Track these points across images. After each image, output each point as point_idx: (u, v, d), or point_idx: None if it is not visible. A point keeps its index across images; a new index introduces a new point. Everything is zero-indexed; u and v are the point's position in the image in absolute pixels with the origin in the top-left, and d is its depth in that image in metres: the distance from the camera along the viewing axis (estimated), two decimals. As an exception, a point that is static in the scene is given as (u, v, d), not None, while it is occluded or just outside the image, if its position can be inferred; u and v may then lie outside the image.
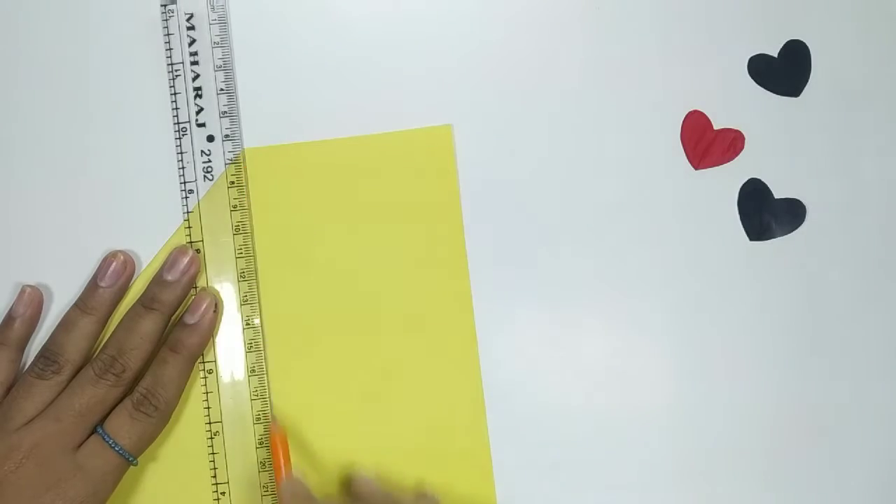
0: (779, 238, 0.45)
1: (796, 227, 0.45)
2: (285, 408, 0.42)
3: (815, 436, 0.44)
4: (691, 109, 0.45)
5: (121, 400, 0.40)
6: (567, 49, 0.45)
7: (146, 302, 0.41)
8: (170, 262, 0.41)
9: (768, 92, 0.45)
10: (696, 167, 0.45)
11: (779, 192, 0.45)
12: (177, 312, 0.42)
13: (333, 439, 0.42)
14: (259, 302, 0.43)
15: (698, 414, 0.44)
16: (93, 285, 0.41)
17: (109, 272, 0.41)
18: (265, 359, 0.42)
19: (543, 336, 0.44)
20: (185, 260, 0.41)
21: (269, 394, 0.42)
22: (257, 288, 0.43)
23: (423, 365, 0.43)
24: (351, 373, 0.43)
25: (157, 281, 0.41)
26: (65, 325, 0.41)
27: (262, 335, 0.42)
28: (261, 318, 0.43)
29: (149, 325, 0.40)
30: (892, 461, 0.44)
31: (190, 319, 0.41)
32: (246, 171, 0.43)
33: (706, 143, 0.45)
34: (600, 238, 0.44)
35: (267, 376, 0.42)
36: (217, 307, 0.42)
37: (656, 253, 0.44)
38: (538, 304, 0.44)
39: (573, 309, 0.44)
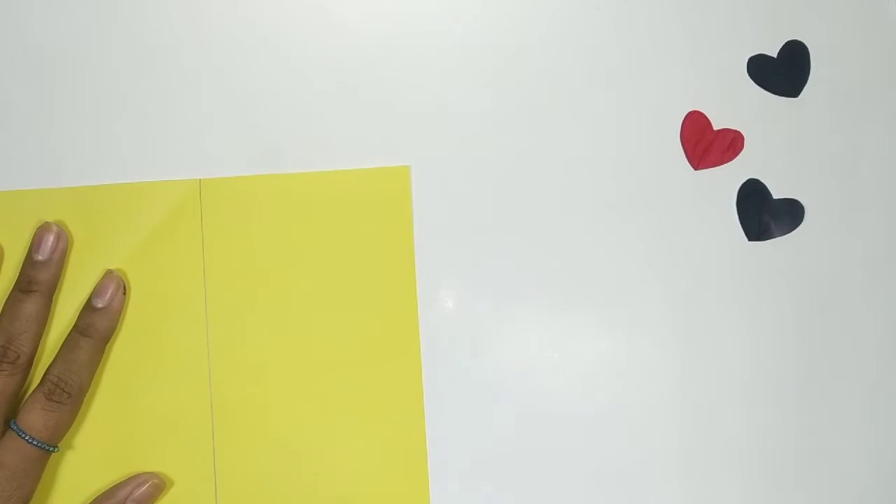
0: (777, 238, 0.45)
1: (795, 228, 0.45)
2: (228, 439, 0.42)
3: (813, 436, 0.44)
4: (691, 110, 0.45)
5: (21, 387, 0.40)
6: (567, 47, 0.45)
7: (23, 286, 0.40)
8: (36, 242, 0.41)
9: (768, 92, 0.46)
10: (696, 167, 0.45)
11: (778, 193, 0.45)
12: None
13: (271, 471, 0.43)
14: (207, 337, 0.43)
15: (696, 414, 0.44)
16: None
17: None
18: (210, 392, 0.42)
19: (542, 338, 0.44)
20: (52, 237, 0.41)
21: (213, 425, 0.42)
22: (205, 323, 0.43)
23: (365, 407, 0.43)
24: (294, 411, 0.43)
25: (30, 263, 0.41)
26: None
27: (209, 369, 0.42)
28: (208, 353, 0.42)
29: (32, 307, 0.40)
30: (891, 461, 0.45)
31: (99, 303, 0.41)
32: (201, 202, 0.43)
33: (705, 143, 0.45)
34: (599, 238, 0.44)
35: (211, 409, 0.42)
36: (124, 289, 0.42)
37: (655, 253, 0.45)
38: (537, 305, 0.44)
39: (572, 310, 0.44)
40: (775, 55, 0.46)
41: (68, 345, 0.40)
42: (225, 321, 0.43)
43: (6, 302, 0.41)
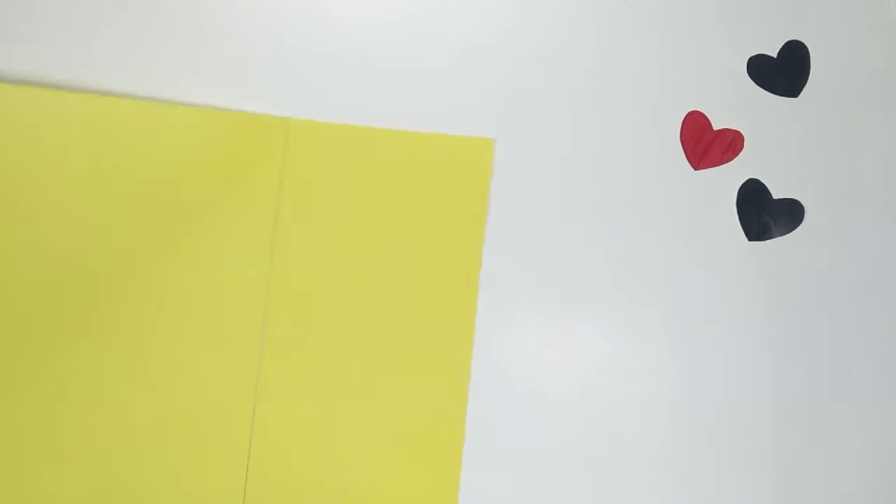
0: (777, 238, 0.45)
1: (795, 228, 0.45)
2: (273, 394, 0.42)
3: (813, 435, 0.44)
4: (691, 110, 0.45)
5: None
6: (566, 50, 0.45)
7: None
8: None
9: (767, 92, 0.46)
10: (696, 167, 0.45)
11: (777, 193, 0.45)
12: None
13: (313, 429, 0.42)
14: (267, 281, 0.42)
15: (696, 413, 0.44)
16: None
17: None
18: (263, 340, 0.42)
19: (542, 337, 0.44)
20: None
21: (260, 374, 0.42)
22: (270, 264, 0.42)
23: (412, 371, 0.43)
24: (341, 367, 0.42)
25: None
26: None
27: (265, 314, 0.42)
28: (266, 299, 0.42)
29: None
30: (890, 460, 0.45)
31: None
32: (287, 142, 0.43)
33: (706, 143, 0.45)
34: (599, 238, 0.44)
35: (261, 358, 0.42)
36: None
37: (655, 253, 0.45)
38: (537, 305, 0.44)
39: (572, 309, 0.44)
40: (775, 55, 0.46)
41: None
42: (288, 260, 0.42)
43: None
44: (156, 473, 0.41)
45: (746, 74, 0.46)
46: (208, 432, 0.41)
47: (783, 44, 0.46)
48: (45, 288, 0.41)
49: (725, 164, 0.45)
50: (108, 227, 0.41)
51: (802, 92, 0.46)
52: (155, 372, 0.41)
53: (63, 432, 0.41)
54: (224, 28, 0.43)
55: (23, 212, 0.41)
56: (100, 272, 0.41)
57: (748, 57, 0.46)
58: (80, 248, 0.41)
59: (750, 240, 0.45)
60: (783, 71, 0.46)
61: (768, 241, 0.45)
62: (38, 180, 0.41)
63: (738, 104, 0.45)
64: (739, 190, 0.45)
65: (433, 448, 0.42)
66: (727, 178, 0.45)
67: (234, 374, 0.42)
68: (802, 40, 0.46)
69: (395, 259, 0.43)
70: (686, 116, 0.45)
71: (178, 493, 0.41)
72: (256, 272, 0.42)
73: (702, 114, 0.45)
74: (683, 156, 0.45)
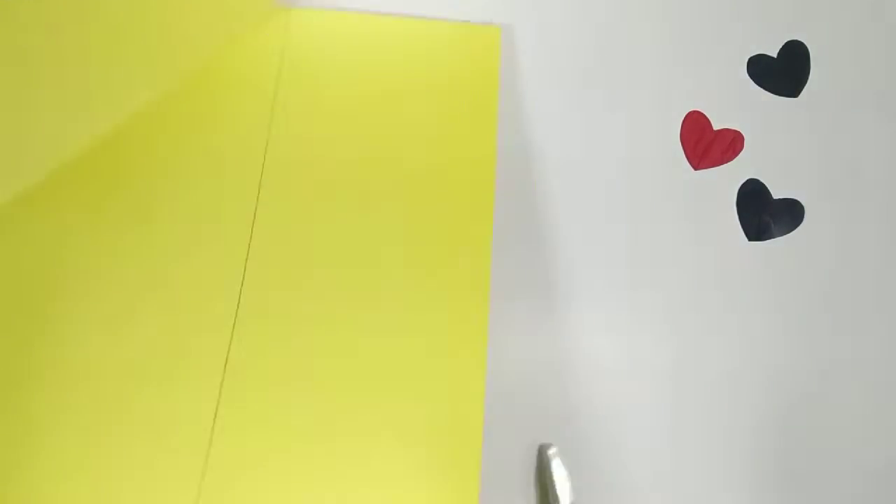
0: (777, 238, 0.45)
1: (794, 227, 0.45)
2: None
3: (813, 434, 0.44)
4: (691, 110, 0.45)
5: None
6: (566, 50, 0.45)
7: None
8: None
9: (767, 92, 0.46)
10: (696, 167, 0.45)
11: (777, 193, 0.45)
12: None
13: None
14: (262, 166, 0.41)
15: (695, 412, 0.44)
16: None
17: None
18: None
19: (541, 335, 0.44)
20: None
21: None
22: (264, 151, 0.41)
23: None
24: (329, 281, 0.40)
25: None
26: None
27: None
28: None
29: None
30: (891, 458, 0.45)
31: None
32: (289, 31, 0.42)
33: (706, 143, 0.45)
34: (599, 238, 0.44)
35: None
36: None
37: (655, 253, 0.45)
38: (537, 306, 0.44)
39: (572, 308, 0.44)
40: (775, 55, 0.46)
41: None
42: (283, 148, 0.41)
43: None
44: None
45: (746, 74, 0.46)
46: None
47: (783, 44, 0.46)
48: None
49: (725, 164, 0.45)
50: (122, 91, 0.41)
51: (802, 92, 0.46)
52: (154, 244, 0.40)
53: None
54: None
55: None
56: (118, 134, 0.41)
57: (748, 57, 0.46)
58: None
59: (750, 240, 0.45)
60: (783, 71, 0.46)
61: (768, 241, 0.45)
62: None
63: (738, 104, 0.45)
64: (739, 190, 0.45)
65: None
66: (727, 178, 0.45)
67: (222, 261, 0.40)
68: (802, 40, 0.46)
69: (403, 148, 0.41)
70: (686, 116, 0.45)
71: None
72: (251, 156, 0.41)
73: (702, 114, 0.45)
74: (683, 156, 0.45)
